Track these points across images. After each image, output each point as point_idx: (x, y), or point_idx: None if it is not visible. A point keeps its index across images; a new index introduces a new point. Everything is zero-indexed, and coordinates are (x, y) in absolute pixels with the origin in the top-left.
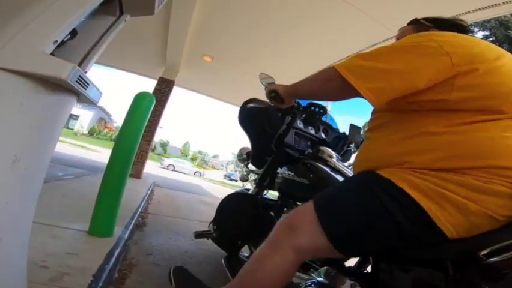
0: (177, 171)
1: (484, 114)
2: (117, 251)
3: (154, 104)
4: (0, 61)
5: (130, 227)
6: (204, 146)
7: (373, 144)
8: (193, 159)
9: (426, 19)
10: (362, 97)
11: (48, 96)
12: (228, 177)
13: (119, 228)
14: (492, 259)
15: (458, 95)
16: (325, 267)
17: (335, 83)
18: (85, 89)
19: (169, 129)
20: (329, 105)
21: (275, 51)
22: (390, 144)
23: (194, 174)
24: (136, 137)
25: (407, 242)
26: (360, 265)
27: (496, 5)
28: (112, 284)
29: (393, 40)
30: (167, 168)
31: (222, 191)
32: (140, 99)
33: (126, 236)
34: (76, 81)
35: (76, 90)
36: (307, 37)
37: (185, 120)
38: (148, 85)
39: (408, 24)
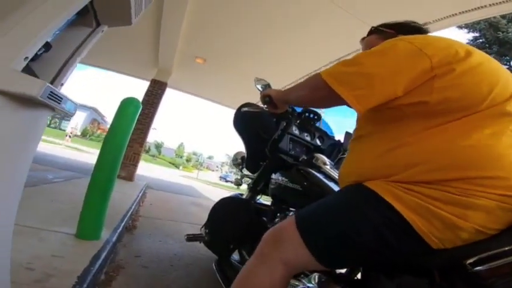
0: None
1: (461, 115)
2: (104, 254)
3: (140, 109)
4: None
5: (119, 230)
6: (199, 147)
7: (356, 157)
8: (187, 161)
9: (385, 26)
10: (348, 105)
11: (22, 112)
12: (224, 178)
13: (108, 231)
14: (478, 268)
15: (438, 96)
16: (315, 274)
17: (323, 92)
18: (59, 103)
19: (164, 130)
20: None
21: (268, 54)
22: (373, 157)
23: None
24: (122, 142)
25: (393, 255)
26: (351, 272)
27: (483, 6)
28: (98, 286)
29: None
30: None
31: (216, 193)
32: (126, 104)
33: (114, 239)
34: (48, 97)
35: (49, 105)
36: (300, 40)
37: (180, 121)
38: (142, 86)
39: (369, 34)
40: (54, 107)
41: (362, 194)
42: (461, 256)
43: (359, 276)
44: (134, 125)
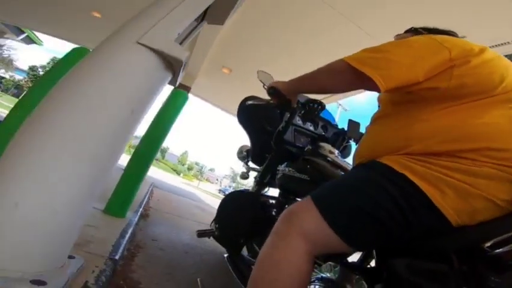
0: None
1: (475, 99)
2: (130, 230)
3: (187, 102)
4: (145, 40)
5: (139, 213)
6: (202, 157)
7: (372, 136)
8: (189, 169)
9: (423, 28)
10: (369, 88)
11: (162, 72)
12: (223, 192)
13: (130, 212)
14: (497, 250)
15: (456, 82)
16: (329, 263)
17: (346, 75)
18: (181, 72)
19: (170, 135)
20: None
21: (288, 68)
22: (389, 132)
23: None
24: (165, 131)
25: (411, 230)
26: (364, 260)
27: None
28: (123, 259)
29: None
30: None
31: (218, 202)
32: (176, 95)
33: (136, 219)
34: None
35: (179, 71)
36: (316, 52)
37: (187, 129)
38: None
39: (405, 32)
40: (178, 73)
41: (378, 169)
42: (478, 239)
43: (372, 264)
44: (178, 117)
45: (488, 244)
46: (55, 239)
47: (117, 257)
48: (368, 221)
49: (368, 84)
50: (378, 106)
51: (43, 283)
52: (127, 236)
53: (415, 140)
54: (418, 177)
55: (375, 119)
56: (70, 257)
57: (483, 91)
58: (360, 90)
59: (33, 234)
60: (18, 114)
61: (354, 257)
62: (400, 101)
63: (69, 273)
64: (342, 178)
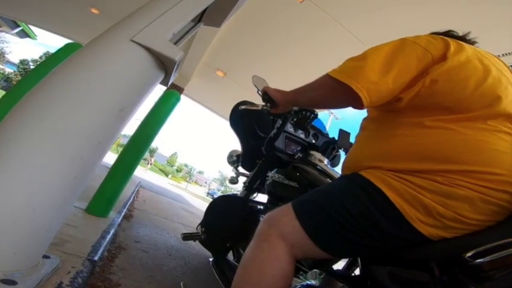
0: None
1: (453, 111)
2: (112, 230)
3: (179, 103)
4: (139, 38)
5: (122, 214)
6: (192, 160)
7: (357, 147)
8: (178, 171)
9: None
10: (357, 103)
11: (155, 70)
12: (211, 195)
13: (113, 212)
14: (478, 260)
15: (427, 90)
16: (314, 270)
17: (339, 92)
18: (174, 72)
19: (160, 136)
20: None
21: (282, 77)
22: (368, 146)
23: None
24: (154, 130)
25: (386, 240)
26: (348, 268)
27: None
28: (102, 260)
29: None
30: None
31: (205, 205)
32: (168, 95)
33: (119, 219)
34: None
35: (172, 70)
36: (310, 59)
37: (179, 131)
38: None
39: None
40: (171, 72)
41: (357, 181)
42: (458, 249)
43: (356, 272)
44: (168, 117)
45: (469, 254)
46: (30, 237)
47: (96, 258)
48: (338, 229)
49: (355, 102)
50: (367, 112)
51: (14, 283)
52: (108, 236)
53: (393, 156)
54: (392, 191)
55: (363, 127)
56: (45, 256)
57: (457, 100)
58: None
59: (5, 232)
60: (4, 107)
61: (340, 265)
62: (379, 110)
63: (43, 273)
64: (323, 187)
